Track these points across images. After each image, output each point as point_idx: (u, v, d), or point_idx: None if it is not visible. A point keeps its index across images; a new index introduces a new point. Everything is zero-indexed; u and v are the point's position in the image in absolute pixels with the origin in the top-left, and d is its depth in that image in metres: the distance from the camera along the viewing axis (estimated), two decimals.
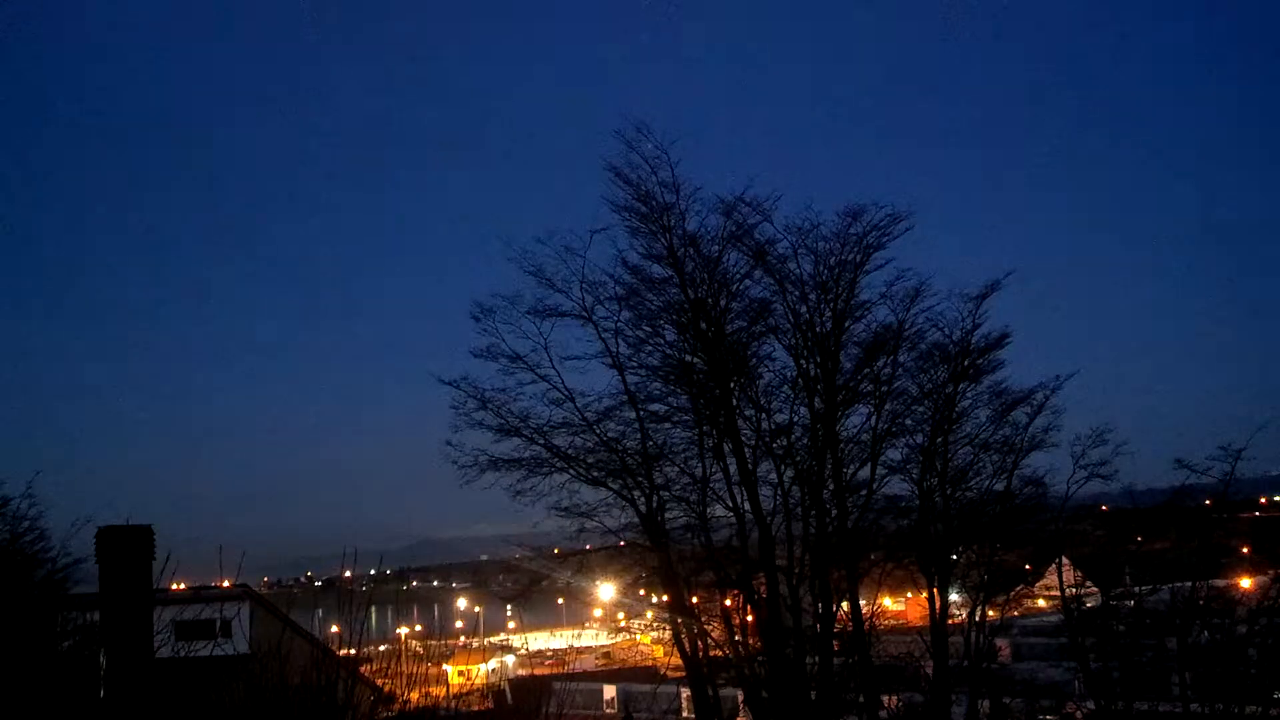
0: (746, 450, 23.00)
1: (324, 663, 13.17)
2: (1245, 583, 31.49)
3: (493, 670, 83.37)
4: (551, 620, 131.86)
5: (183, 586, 20.43)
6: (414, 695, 15.25)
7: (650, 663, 67.79)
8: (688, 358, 23.39)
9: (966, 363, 24.94)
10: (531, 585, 27.38)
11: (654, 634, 34.27)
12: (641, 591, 29.66)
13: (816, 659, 23.01)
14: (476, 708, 59.10)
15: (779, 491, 23.32)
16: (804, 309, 23.32)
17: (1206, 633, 24.27)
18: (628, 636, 67.33)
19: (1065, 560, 28.74)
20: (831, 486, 23.84)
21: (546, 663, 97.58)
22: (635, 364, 23.06)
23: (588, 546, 24.27)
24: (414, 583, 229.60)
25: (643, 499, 22.88)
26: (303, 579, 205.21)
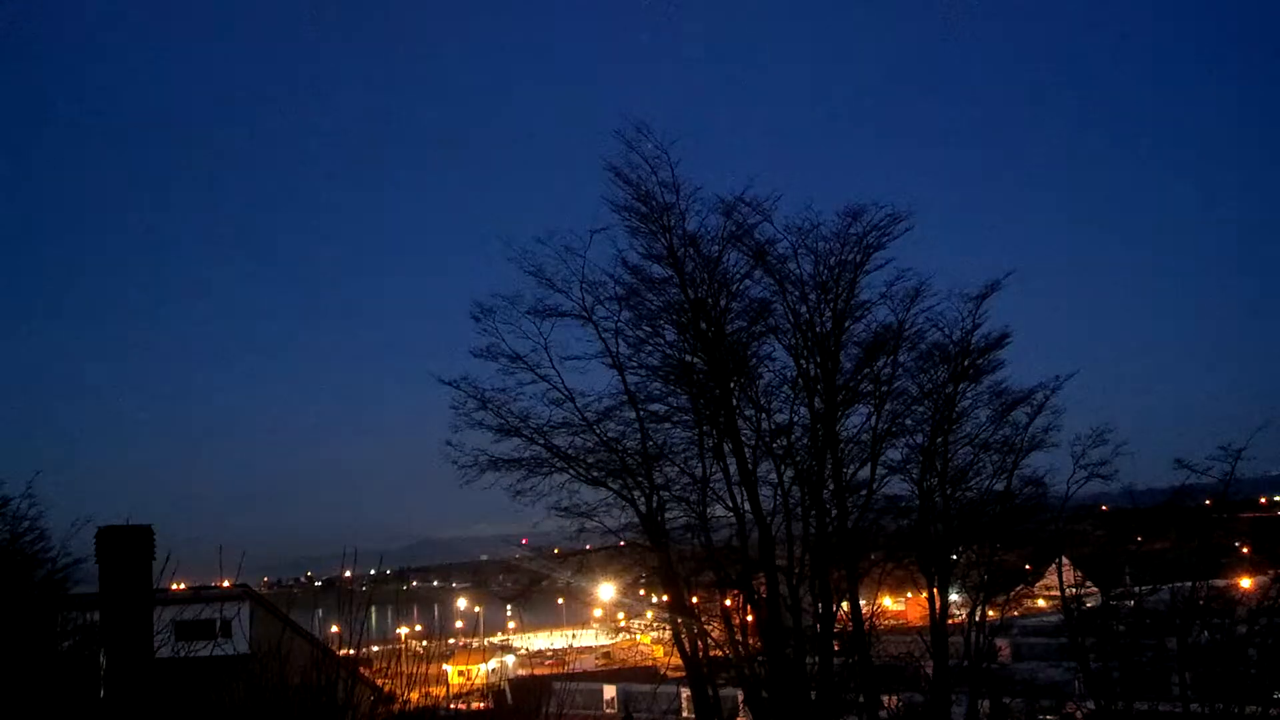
0: (746, 450, 23.01)
1: (324, 663, 13.17)
2: (1245, 583, 31.51)
3: (493, 670, 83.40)
4: (551, 620, 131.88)
5: (183, 586, 20.44)
6: (414, 695, 15.23)
7: (650, 663, 67.81)
8: (688, 358, 23.42)
9: (966, 363, 24.96)
10: (531, 585, 27.37)
11: (654, 634, 34.29)
12: (641, 591, 29.66)
13: (816, 659, 23.02)
14: (477, 707, 59.11)
15: (779, 491, 23.35)
16: (804, 309, 23.36)
17: (1206, 633, 24.27)
18: (628, 636, 67.35)
19: (1065, 560, 28.75)
20: (831, 486, 23.85)
21: (546, 663, 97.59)
22: (635, 364, 23.12)
23: (588, 546, 24.29)
24: (414, 583, 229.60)
25: (643, 499, 22.90)
26: (303, 579, 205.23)
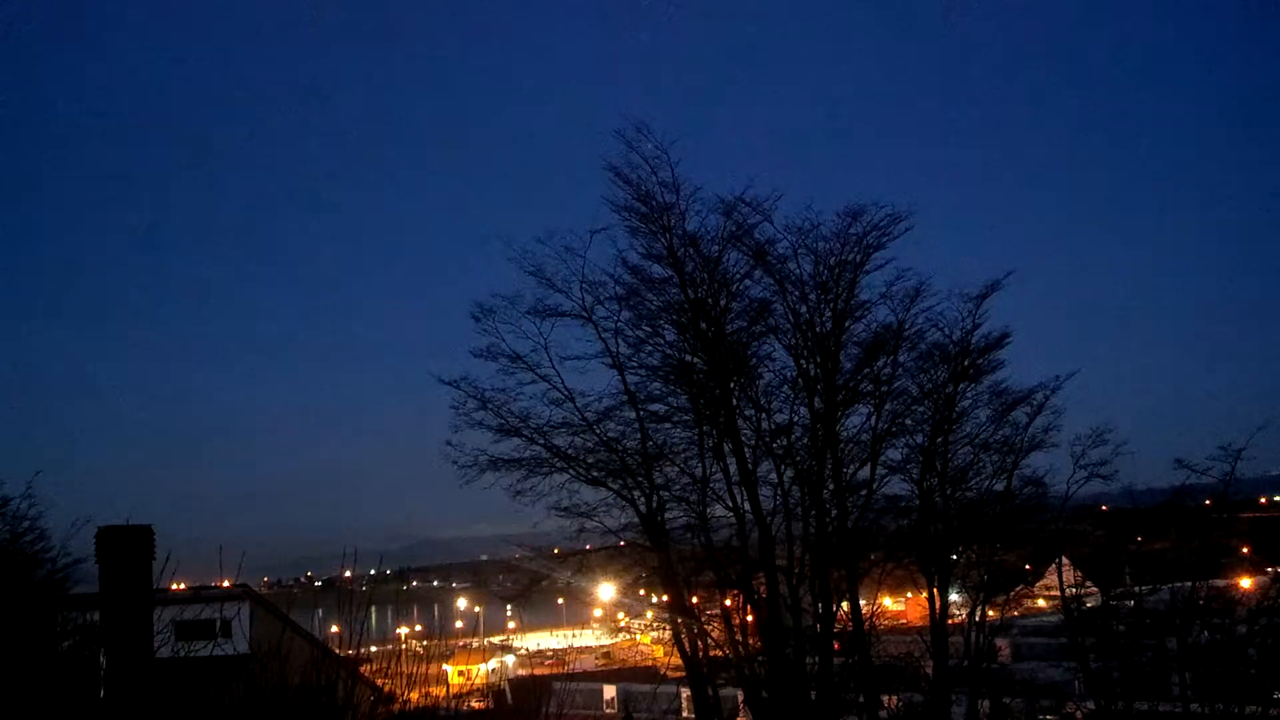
0: (746, 450, 23.01)
1: (324, 663, 13.17)
2: (1245, 583, 31.54)
3: (493, 670, 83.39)
4: (551, 620, 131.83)
5: (183, 586, 20.44)
6: (414, 695, 15.23)
7: (650, 663, 67.70)
8: (688, 358, 23.41)
9: (966, 363, 24.95)
10: (531, 585, 27.33)
11: (654, 634, 34.19)
12: (641, 591, 29.60)
13: (816, 659, 23.02)
14: (477, 707, 59.11)
15: (779, 491, 23.34)
16: (804, 309, 23.35)
17: (1206, 633, 24.29)
18: (628, 636, 67.21)
19: (1065, 560, 28.76)
20: (831, 486, 23.85)
21: (546, 663, 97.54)
22: (635, 364, 23.11)
23: (588, 546, 24.27)
24: (414, 583, 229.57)
25: (643, 499, 22.89)
26: (303, 579, 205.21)
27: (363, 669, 14.69)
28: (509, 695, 57.41)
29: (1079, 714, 27.02)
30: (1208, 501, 26.78)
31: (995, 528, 25.83)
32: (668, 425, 23.37)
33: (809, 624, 23.17)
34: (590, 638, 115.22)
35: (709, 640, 23.45)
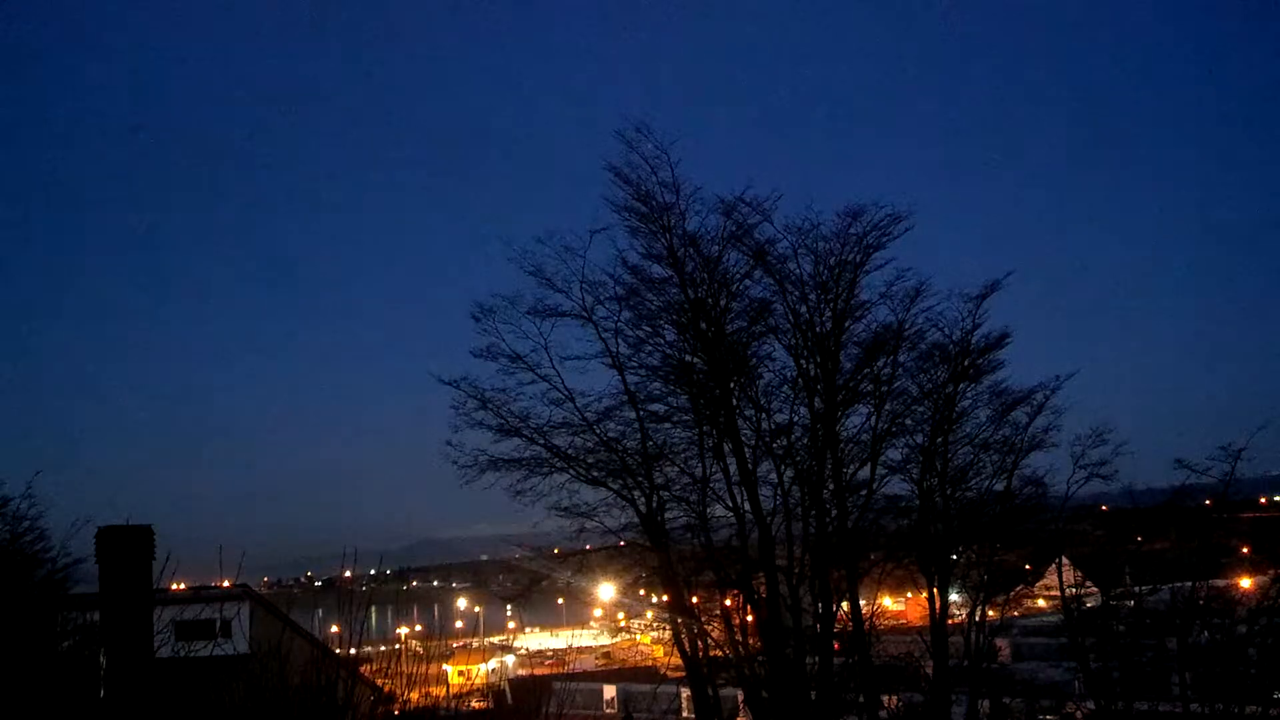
0: (746, 450, 23.00)
1: (324, 663, 13.17)
2: (1245, 583, 31.50)
3: (493, 670, 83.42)
4: (551, 620, 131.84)
5: (183, 586, 20.47)
6: (414, 695, 15.24)
7: (650, 663, 67.71)
8: (688, 358, 23.40)
9: (966, 363, 24.94)
10: (531, 585, 27.33)
11: (654, 634, 34.24)
12: (641, 591, 29.64)
13: (816, 659, 23.01)
14: (477, 707, 59.13)
15: (779, 491, 23.33)
16: (804, 309, 23.34)
17: (1206, 633, 24.28)
18: (628, 636, 67.32)
19: (1065, 560, 28.76)
20: (831, 486, 23.83)
21: (546, 663, 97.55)
22: (635, 364, 23.10)
23: (588, 546, 24.26)
24: (414, 583, 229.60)
25: (643, 499, 22.88)
26: (303, 579, 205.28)
27: (363, 669, 14.69)
28: (509, 695, 57.45)
29: (1079, 714, 27.01)
30: (1208, 501, 26.77)
31: (995, 528, 25.82)
32: (668, 425, 23.39)
33: (809, 624, 23.16)
34: (590, 638, 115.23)
35: (709, 640, 23.43)
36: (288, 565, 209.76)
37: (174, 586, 17.42)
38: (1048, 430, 25.31)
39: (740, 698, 27.37)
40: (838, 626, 23.43)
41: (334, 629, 17.46)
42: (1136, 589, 26.23)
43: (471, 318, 22.62)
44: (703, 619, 23.84)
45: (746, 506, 22.93)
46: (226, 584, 22.45)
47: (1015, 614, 32.61)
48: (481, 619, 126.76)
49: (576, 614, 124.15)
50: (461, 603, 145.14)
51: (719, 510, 23.29)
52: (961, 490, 25.72)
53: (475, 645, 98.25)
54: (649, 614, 35.02)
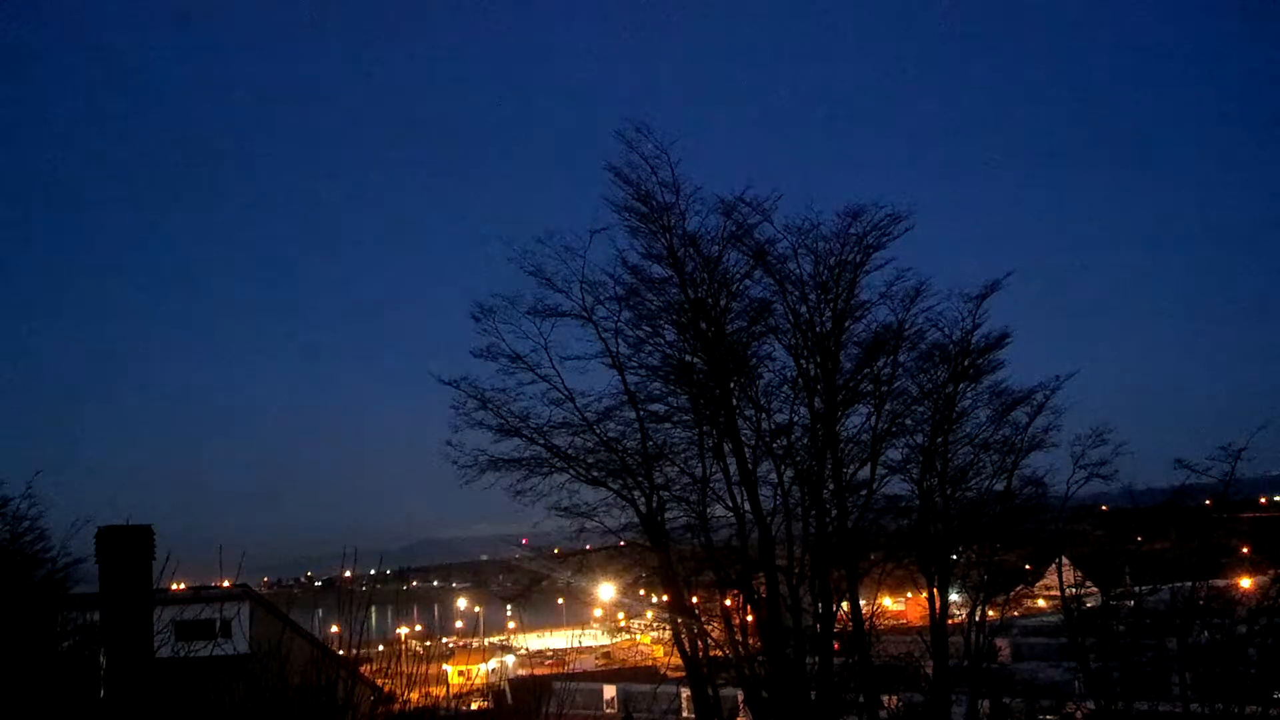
0: (746, 450, 23.00)
1: (324, 663, 13.17)
2: (1245, 583, 31.50)
3: (493, 670, 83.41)
4: (551, 620, 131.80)
5: (183, 586, 20.47)
6: (414, 695, 15.23)
7: (650, 663, 67.69)
8: (688, 358, 23.40)
9: (966, 363, 24.94)
10: (531, 585, 27.33)
11: (654, 634, 34.25)
12: (641, 591, 29.62)
13: (816, 659, 23.01)
14: (477, 707, 59.15)
15: (779, 491, 23.33)
16: (804, 309, 23.34)
17: (1206, 633, 24.28)
18: (628, 636, 67.28)
19: (1065, 560, 28.75)
20: (831, 486, 23.84)
21: (546, 663, 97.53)
22: (635, 364, 23.10)
23: (588, 546, 24.26)
24: (414, 583, 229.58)
25: (643, 499, 22.88)
26: (303, 579, 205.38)
27: (363, 669, 14.69)
28: (509, 695, 57.44)
29: (1079, 714, 27.00)
30: (1208, 501, 26.77)
31: (995, 528, 25.82)
32: (668, 425, 23.40)
33: (809, 624, 23.16)
34: (590, 638, 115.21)
35: (709, 640, 23.43)
36: (288, 565, 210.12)
37: (174, 586, 17.43)
38: (1048, 430, 25.37)
39: (740, 698, 27.38)
40: (838, 626, 23.43)
41: (334, 629, 17.46)
42: (1136, 589, 26.22)
43: (471, 318, 22.66)
44: (703, 619, 23.84)
45: (746, 506, 22.96)
46: (226, 584, 22.45)
47: (1015, 614, 32.60)
48: (481, 619, 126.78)
49: (576, 614, 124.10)
50: (461, 603, 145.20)
51: (719, 510, 23.34)
52: (961, 490, 25.73)
53: (475, 645, 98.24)
54: (649, 614, 35.02)
